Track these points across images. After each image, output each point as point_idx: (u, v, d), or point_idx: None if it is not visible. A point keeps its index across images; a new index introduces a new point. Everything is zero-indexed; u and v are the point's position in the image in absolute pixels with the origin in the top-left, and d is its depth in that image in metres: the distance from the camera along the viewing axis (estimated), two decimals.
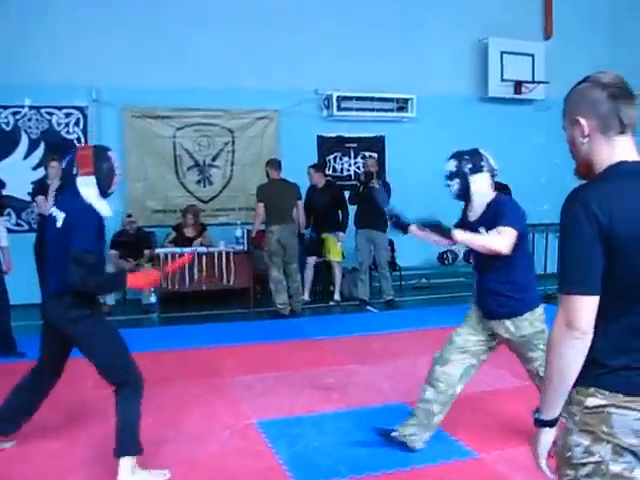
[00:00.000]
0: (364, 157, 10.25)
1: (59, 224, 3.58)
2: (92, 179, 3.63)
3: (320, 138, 10.08)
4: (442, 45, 10.29)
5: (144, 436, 4.39)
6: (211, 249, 8.54)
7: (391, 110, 10.13)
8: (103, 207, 3.68)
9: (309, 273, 9.04)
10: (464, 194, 3.88)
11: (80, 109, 8.98)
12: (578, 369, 1.83)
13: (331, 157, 10.20)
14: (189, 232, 8.94)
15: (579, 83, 2.01)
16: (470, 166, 3.83)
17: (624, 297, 1.84)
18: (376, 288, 9.21)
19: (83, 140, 8.99)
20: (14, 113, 8.77)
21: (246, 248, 8.61)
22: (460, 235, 3.76)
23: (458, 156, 3.89)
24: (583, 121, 1.93)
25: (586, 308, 1.79)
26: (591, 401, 1.86)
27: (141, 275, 4.06)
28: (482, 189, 3.84)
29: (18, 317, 6.72)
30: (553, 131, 10.90)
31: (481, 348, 4.09)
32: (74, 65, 8.67)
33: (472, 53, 10.66)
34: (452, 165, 3.87)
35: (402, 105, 10.17)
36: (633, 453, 1.83)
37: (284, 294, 8.21)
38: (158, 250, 8.49)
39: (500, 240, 3.63)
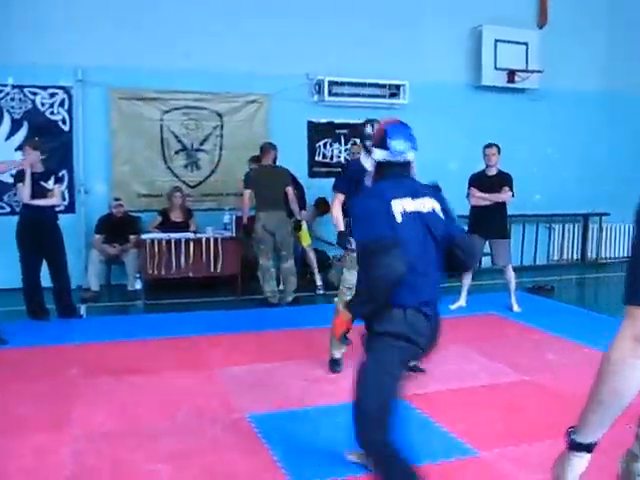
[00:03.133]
0: (355, 143, 10.07)
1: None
2: None
3: (310, 123, 9.90)
4: (436, 32, 10.13)
5: (133, 427, 4.27)
6: (198, 235, 8.37)
7: (383, 96, 9.96)
8: None
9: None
10: None
11: (65, 89, 8.72)
12: (635, 393, 1.57)
13: (321, 143, 10.03)
14: (176, 216, 8.76)
15: None
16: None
17: None
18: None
19: (68, 121, 8.75)
20: None
21: (234, 234, 8.45)
22: None
23: None
24: None
25: None
26: None
27: None
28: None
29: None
30: (546, 121, 11.00)
31: None
32: (59, 44, 8.41)
33: (466, 40, 10.50)
34: None
35: (394, 92, 10.00)
36: None
37: (272, 282, 8.06)
38: (144, 236, 8.31)
39: None
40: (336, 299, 5.43)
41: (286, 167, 8.14)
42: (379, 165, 3.14)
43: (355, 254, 5.04)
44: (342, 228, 5.40)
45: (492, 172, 7.65)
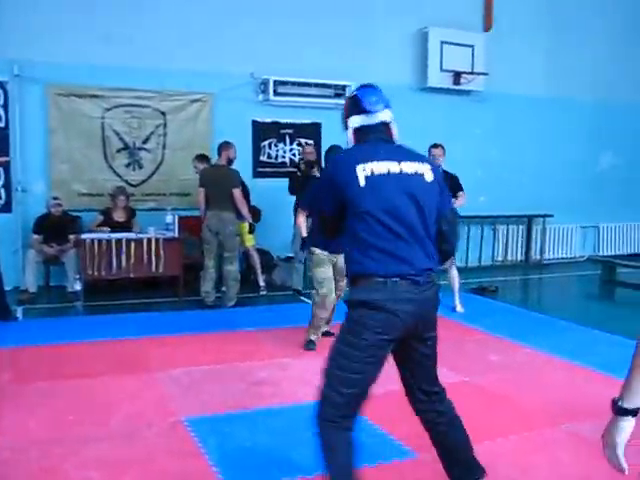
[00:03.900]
0: (300, 144, 10.02)
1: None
2: None
3: (255, 123, 9.80)
4: (382, 33, 10.14)
5: (65, 434, 4.13)
6: (140, 235, 8.21)
7: (329, 97, 9.92)
8: None
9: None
10: None
11: (0, 84, 8.46)
12: None
13: (266, 143, 9.94)
14: (118, 216, 8.59)
15: None
16: None
17: None
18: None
19: (4, 117, 8.50)
20: None
21: (176, 235, 8.31)
22: None
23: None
24: None
25: None
26: None
27: None
28: None
29: None
30: (491, 123, 11.10)
31: None
32: None
33: (412, 42, 10.53)
34: None
35: (340, 92, 9.96)
36: None
37: (209, 282, 7.94)
38: (84, 235, 8.11)
39: None
40: (313, 292, 6.13)
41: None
42: (356, 134, 3.02)
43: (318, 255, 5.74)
44: (304, 234, 6.30)
45: None
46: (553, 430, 4.30)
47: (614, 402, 1.85)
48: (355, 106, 3.02)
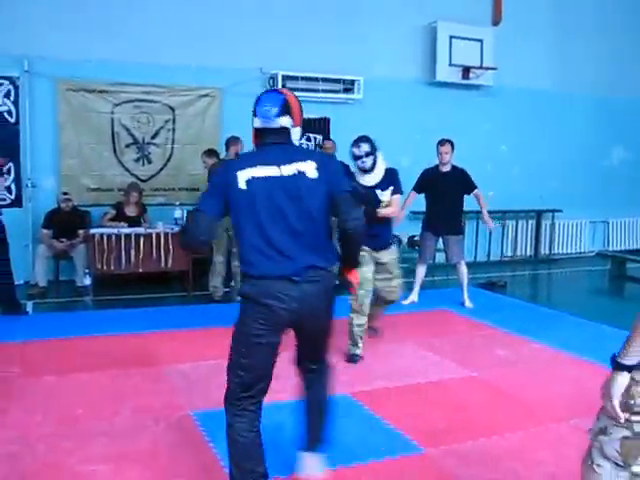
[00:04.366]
0: (309, 139, 10.02)
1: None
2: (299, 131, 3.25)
3: None
4: (390, 27, 10.12)
5: (73, 428, 4.16)
6: (149, 230, 8.23)
7: (337, 91, 9.91)
8: None
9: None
10: (373, 167, 5.46)
11: (11, 80, 8.48)
12: None
13: None
14: (130, 211, 8.60)
15: None
16: (376, 146, 5.47)
17: None
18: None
19: (14, 113, 8.53)
20: None
21: None
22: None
23: (368, 139, 5.45)
24: None
25: None
26: None
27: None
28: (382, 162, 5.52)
29: None
30: (500, 118, 11.05)
31: None
32: (5, 33, 8.19)
33: (421, 36, 10.50)
34: (367, 147, 5.40)
35: (348, 87, 9.96)
36: None
37: (217, 277, 7.98)
38: (93, 230, 8.15)
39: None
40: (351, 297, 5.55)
41: None
42: (256, 134, 3.17)
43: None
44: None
45: (446, 168, 7.64)
46: (560, 425, 4.30)
47: (613, 358, 2.13)
48: (254, 108, 3.17)
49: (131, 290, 8.20)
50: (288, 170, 3.03)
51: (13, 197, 8.61)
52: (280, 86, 9.43)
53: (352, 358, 5.62)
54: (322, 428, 3.48)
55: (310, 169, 3.04)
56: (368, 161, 5.42)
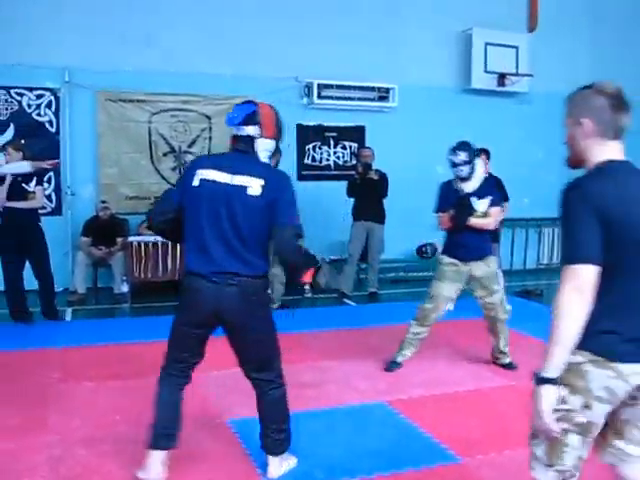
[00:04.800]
0: (344, 147, 10.06)
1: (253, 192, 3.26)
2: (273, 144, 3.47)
3: (299, 126, 9.85)
4: (425, 34, 10.11)
5: (111, 433, 4.21)
6: None
7: (372, 99, 9.93)
8: None
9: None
10: (470, 175, 5.28)
11: (52, 91, 8.66)
12: (580, 330, 2.11)
13: (310, 146, 9.99)
14: None
15: (584, 88, 2.39)
16: (475, 152, 5.33)
17: (610, 270, 2.14)
18: (355, 280, 9.05)
19: (55, 123, 8.69)
20: None
21: None
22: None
23: (466, 147, 5.27)
24: (586, 124, 2.30)
25: (591, 277, 2.10)
26: (572, 359, 2.17)
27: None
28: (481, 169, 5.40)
29: None
30: (535, 124, 10.97)
31: None
32: (46, 45, 8.36)
33: (456, 44, 10.48)
34: (464, 155, 5.22)
35: (383, 94, 9.98)
36: (603, 403, 2.20)
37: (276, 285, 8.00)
38: (131, 238, 8.25)
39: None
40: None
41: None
42: (231, 139, 3.42)
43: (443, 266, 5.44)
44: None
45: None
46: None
47: (534, 375, 2.19)
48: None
49: (167, 297, 8.26)
50: (237, 180, 3.24)
51: (53, 205, 8.77)
52: (316, 95, 9.50)
53: (390, 365, 5.54)
54: (272, 437, 3.66)
55: (255, 185, 3.22)
56: (465, 169, 5.28)
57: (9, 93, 8.52)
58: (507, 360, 5.69)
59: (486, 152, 7.48)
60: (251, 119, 3.32)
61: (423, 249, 9.90)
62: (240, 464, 3.81)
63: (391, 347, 5.72)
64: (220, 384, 5.18)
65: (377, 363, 5.65)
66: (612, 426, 2.36)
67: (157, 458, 3.52)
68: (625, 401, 2.26)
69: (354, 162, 9.48)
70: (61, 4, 8.51)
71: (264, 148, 3.40)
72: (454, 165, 5.32)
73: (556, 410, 2.19)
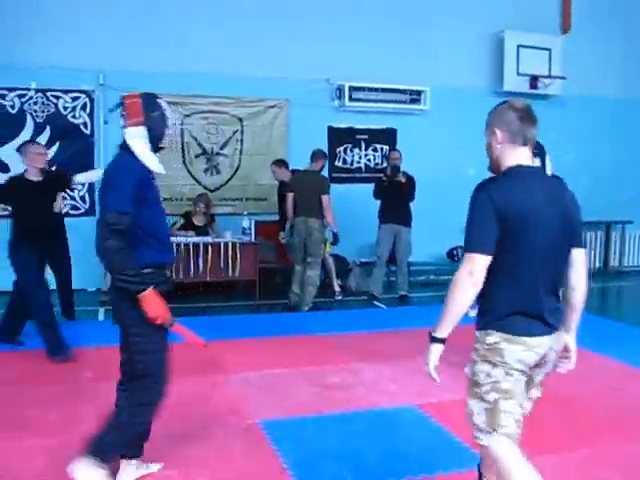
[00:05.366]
0: (375, 149, 10.07)
1: None
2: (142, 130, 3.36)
3: (330, 129, 9.88)
4: (457, 37, 10.09)
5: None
6: (217, 239, 8.36)
7: (404, 102, 9.93)
8: (154, 162, 3.46)
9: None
10: None
11: (87, 93, 8.80)
12: (470, 304, 2.61)
13: (341, 148, 10.02)
14: (198, 221, 8.77)
15: (500, 104, 2.79)
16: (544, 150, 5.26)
17: (515, 261, 2.61)
18: (385, 283, 9.05)
19: (89, 125, 8.81)
20: (20, 96, 8.58)
21: (253, 239, 8.44)
22: None
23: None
24: (498, 133, 2.71)
25: (482, 264, 2.56)
26: (489, 340, 2.68)
27: (155, 305, 3.35)
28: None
29: None
30: (567, 128, 10.88)
31: None
32: (81, 49, 8.50)
33: (488, 46, 10.45)
34: (537, 162, 4.81)
35: (415, 97, 9.98)
36: (520, 371, 2.68)
37: (296, 285, 8.11)
38: None
39: None
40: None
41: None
42: None
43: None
44: None
45: None
46: (629, 445, 4.20)
47: (429, 333, 2.70)
48: None
49: (198, 298, 8.34)
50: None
51: (87, 206, 8.88)
52: (347, 97, 9.52)
53: None
54: (99, 435, 3.50)
55: (100, 177, 3.45)
56: None
57: (45, 96, 8.65)
58: None
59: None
60: (122, 112, 3.38)
61: (454, 252, 9.91)
62: (270, 465, 3.82)
63: (421, 350, 5.70)
64: (252, 385, 5.22)
65: (407, 366, 5.64)
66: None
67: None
68: (535, 366, 2.77)
69: (385, 165, 9.49)
70: (95, 7, 8.63)
71: (132, 136, 3.34)
72: None
73: (485, 384, 2.69)
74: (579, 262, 2.86)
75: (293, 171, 8.44)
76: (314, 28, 9.42)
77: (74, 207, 8.85)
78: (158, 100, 3.47)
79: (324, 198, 7.88)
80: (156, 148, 3.48)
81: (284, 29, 9.29)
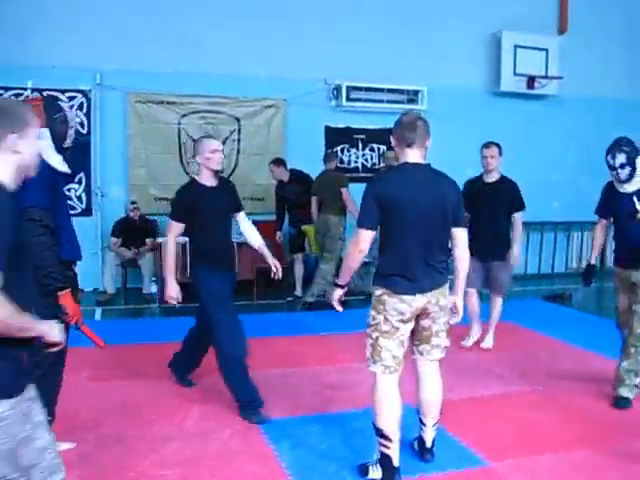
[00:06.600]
0: (372, 149, 10.07)
1: None
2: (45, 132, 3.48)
3: (328, 128, 9.88)
4: (454, 37, 10.09)
5: (143, 432, 4.26)
6: None
7: (401, 102, 9.91)
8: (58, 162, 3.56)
9: (299, 269, 8.83)
10: (630, 177, 4.85)
11: (84, 93, 8.78)
12: (358, 265, 3.63)
13: (338, 148, 10.01)
14: None
15: (402, 115, 3.66)
16: (637, 151, 4.84)
17: (394, 236, 3.45)
18: None
19: (86, 124, 8.79)
20: (16, 95, 8.53)
21: None
22: None
23: (625, 149, 4.82)
24: (392, 138, 3.64)
25: (366, 237, 3.44)
26: (377, 293, 3.52)
27: (73, 302, 3.52)
28: None
29: None
30: (565, 128, 10.88)
31: None
32: (78, 48, 8.47)
33: (485, 46, 10.45)
34: (622, 158, 4.81)
35: (412, 97, 9.97)
36: (398, 319, 3.49)
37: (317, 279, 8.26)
38: (160, 239, 8.30)
39: None
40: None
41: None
42: None
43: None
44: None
45: (491, 178, 6.41)
46: (627, 445, 4.21)
47: (334, 282, 3.83)
48: None
49: (196, 298, 8.31)
50: None
51: (83, 206, 8.88)
52: (344, 97, 9.52)
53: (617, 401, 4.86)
54: None
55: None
56: (623, 173, 4.84)
57: (42, 95, 8.62)
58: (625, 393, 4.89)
59: (497, 146, 6.47)
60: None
61: (450, 250, 9.89)
62: (268, 465, 3.83)
63: None
64: None
65: (407, 366, 5.63)
66: (415, 335, 3.69)
67: None
68: (417, 317, 3.57)
69: (382, 165, 9.50)
70: (93, 7, 8.61)
71: (44, 138, 3.38)
72: (611, 168, 4.95)
73: (373, 325, 3.54)
74: (459, 239, 3.64)
75: (291, 170, 8.45)
76: (311, 28, 9.41)
77: (71, 207, 8.82)
78: (59, 103, 3.66)
79: (343, 191, 8.05)
80: (60, 148, 3.63)
81: (282, 29, 9.28)
